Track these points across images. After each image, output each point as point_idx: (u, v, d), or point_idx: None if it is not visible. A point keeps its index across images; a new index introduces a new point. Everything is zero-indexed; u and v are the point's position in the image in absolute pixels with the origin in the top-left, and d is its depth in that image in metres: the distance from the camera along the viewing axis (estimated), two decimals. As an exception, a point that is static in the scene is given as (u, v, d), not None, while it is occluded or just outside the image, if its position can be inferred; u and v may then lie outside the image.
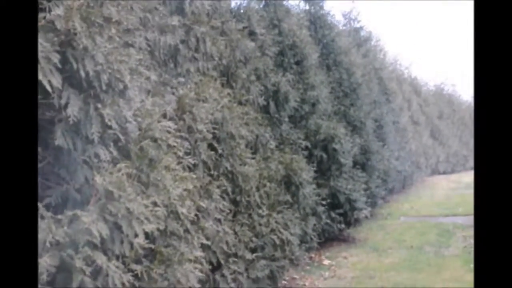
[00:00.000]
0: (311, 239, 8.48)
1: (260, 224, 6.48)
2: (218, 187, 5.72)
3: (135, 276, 3.92)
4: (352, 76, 12.67)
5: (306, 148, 9.32)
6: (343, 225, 10.37)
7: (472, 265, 9.10)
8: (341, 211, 10.29)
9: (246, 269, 6.01)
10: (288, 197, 7.57)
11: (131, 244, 3.84)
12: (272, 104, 8.33)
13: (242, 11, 8.59)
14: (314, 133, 9.91)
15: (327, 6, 12.41)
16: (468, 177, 23.60)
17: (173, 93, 5.49)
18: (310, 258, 9.31)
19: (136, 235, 3.84)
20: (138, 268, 3.96)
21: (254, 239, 6.26)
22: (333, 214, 10.00)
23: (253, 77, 7.64)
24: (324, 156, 9.89)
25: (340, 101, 12.12)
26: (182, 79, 5.74)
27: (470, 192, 18.11)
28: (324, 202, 9.43)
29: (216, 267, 5.50)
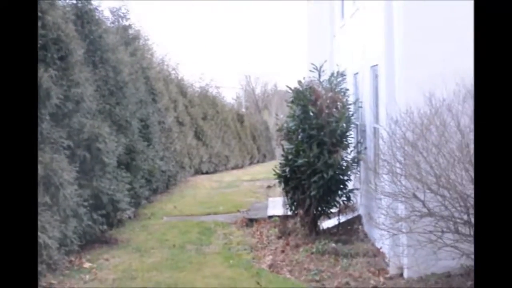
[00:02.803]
0: (71, 242, 8.19)
1: (15, 228, 6.08)
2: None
3: None
4: (119, 74, 12.50)
5: (68, 147, 8.97)
6: (105, 226, 10.18)
7: (231, 261, 9.51)
8: (103, 212, 10.09)
9: (-2, 277, 5.60)
10: (47, 199, 7.22)
11: None
12: (32, 100, 7.88)
13: (0, -1, 8.00)
14: (78, 132, 9.59)
15: (95, 1, 12.10)
16: (229, 177, 24.65)
17: None
18: (70, 261, 8.95)
19: None
20: None
21: (8, 244, 5.86)
22: (95, 216, 9.76)
23: (11, 71, 7.16)
24: (88, 155, 9.61)
25: (106, 100, 11.88)
26: None
27: (230, 191, 19.01)
28: (86, 203, 9.17)
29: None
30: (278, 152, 12.77)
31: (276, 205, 13.23)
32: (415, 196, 7.40)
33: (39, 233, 6.34)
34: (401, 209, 7.90)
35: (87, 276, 8.42)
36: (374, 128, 10.31)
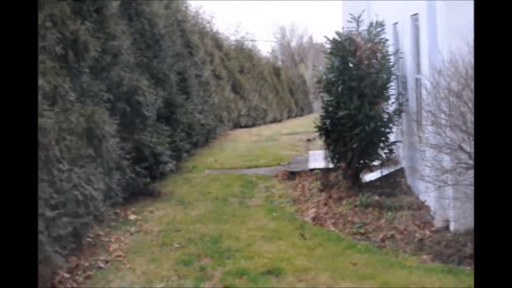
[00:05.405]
0: (116, 194, 8.22)
1: (61, 180, 6.11)
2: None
3: None
4: (154, 27, 12.37)
5: (109, 100, 8.95)
6: (148, 179, 10.23)
7: (275, 214, 9.51)
8: (146, 165, 10.13)
9: (47, 228, 5.66)
10: (91, 151, 7.23)
11: None
12: (71, 53, 7.80)
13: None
14: (117, 85, 9.54)
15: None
16: (267, 131, 24.60)
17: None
18: (116, 213, 9.05)
19: None
20: None
21: (54, 195, 5.90)
22: (138, 168, 9.80)
23: (49, 24, 7.09)
24: (128, 108, 9.60)
25: (143, 53, 11.77)
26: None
27: (270, 144, 18.97)
28: (128, 156, 9.20)
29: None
30: (316, 105, 12.60)
31: (317, 158, 13.14)
32: (461, 147, 7.23)
33: (85, 185, 6.38)
34: (447, 161, 7.73)
35: (133, 228, 8.52)
36: (416, 78, 10.06)
